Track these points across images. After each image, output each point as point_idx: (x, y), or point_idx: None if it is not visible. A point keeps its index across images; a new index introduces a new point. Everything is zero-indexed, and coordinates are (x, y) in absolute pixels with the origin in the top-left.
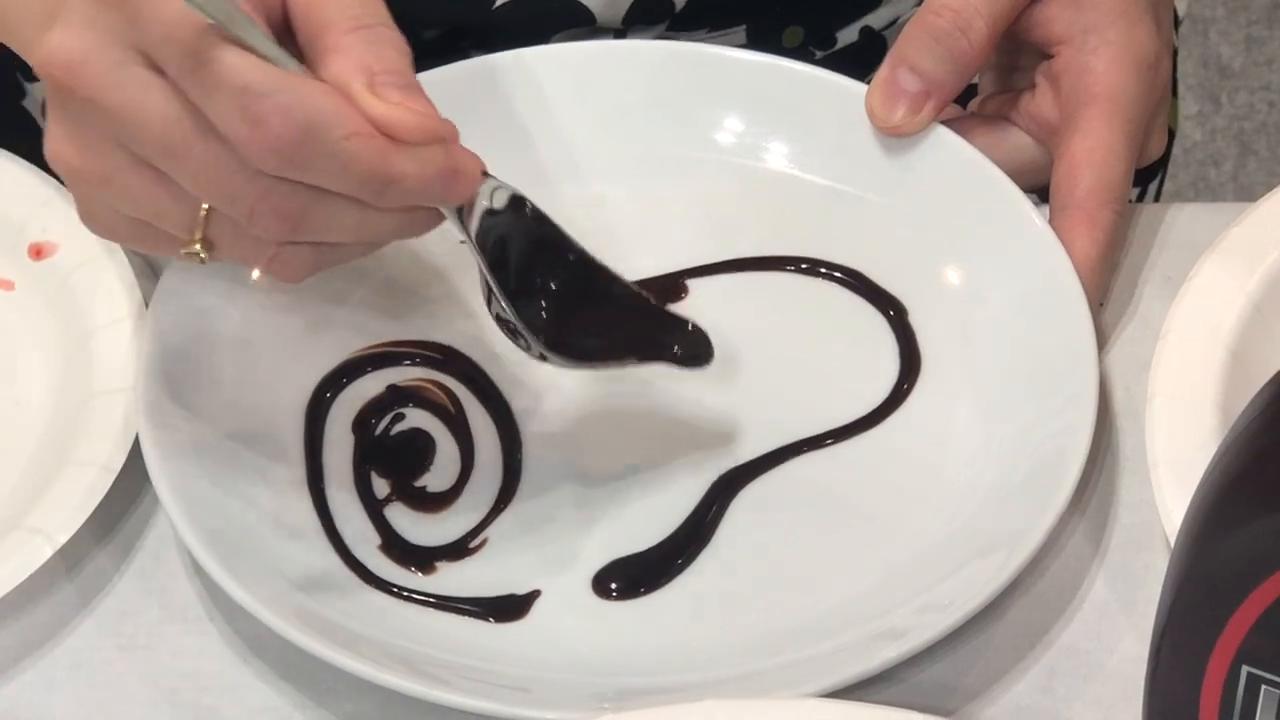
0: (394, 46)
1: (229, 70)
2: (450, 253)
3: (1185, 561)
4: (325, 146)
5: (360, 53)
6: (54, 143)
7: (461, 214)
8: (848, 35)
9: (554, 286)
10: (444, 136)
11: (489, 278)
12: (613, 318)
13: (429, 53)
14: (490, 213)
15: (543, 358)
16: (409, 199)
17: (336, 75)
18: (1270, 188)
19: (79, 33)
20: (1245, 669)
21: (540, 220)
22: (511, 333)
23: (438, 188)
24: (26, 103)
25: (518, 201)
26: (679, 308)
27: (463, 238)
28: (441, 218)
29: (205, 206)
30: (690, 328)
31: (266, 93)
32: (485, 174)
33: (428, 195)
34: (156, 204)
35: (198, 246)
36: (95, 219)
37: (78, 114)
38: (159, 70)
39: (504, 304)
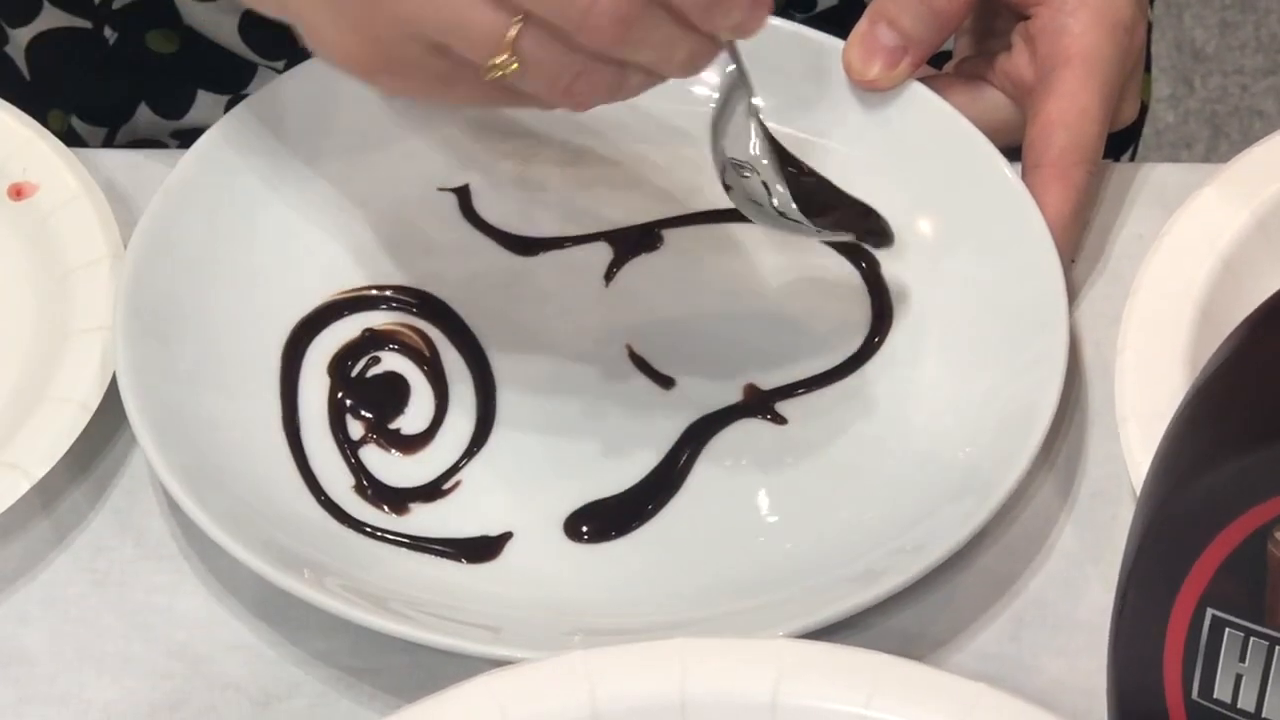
0: None
1: None
2: (429, 199)
3: (1150, 508)
4: None
5: None
6: None
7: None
8: None
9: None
10: None
11: (755, 106)
12: (813, 191)
13: None
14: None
15: (777, 212)
16: (727, 18)
17: None
18: None
19: None
20: (1210, 612)
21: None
22: (735, 170)
23: (748, 11)
24: (9, 48)
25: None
26: (652, 257)
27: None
28: (715, 58)
29: (515, 26)
30: (873, 214)
31: None
32: None
33: (739, 18)
34: (462, 14)
35: (506, 56)
36: (378, 48)
37: None
38: None
39: (762, 137)
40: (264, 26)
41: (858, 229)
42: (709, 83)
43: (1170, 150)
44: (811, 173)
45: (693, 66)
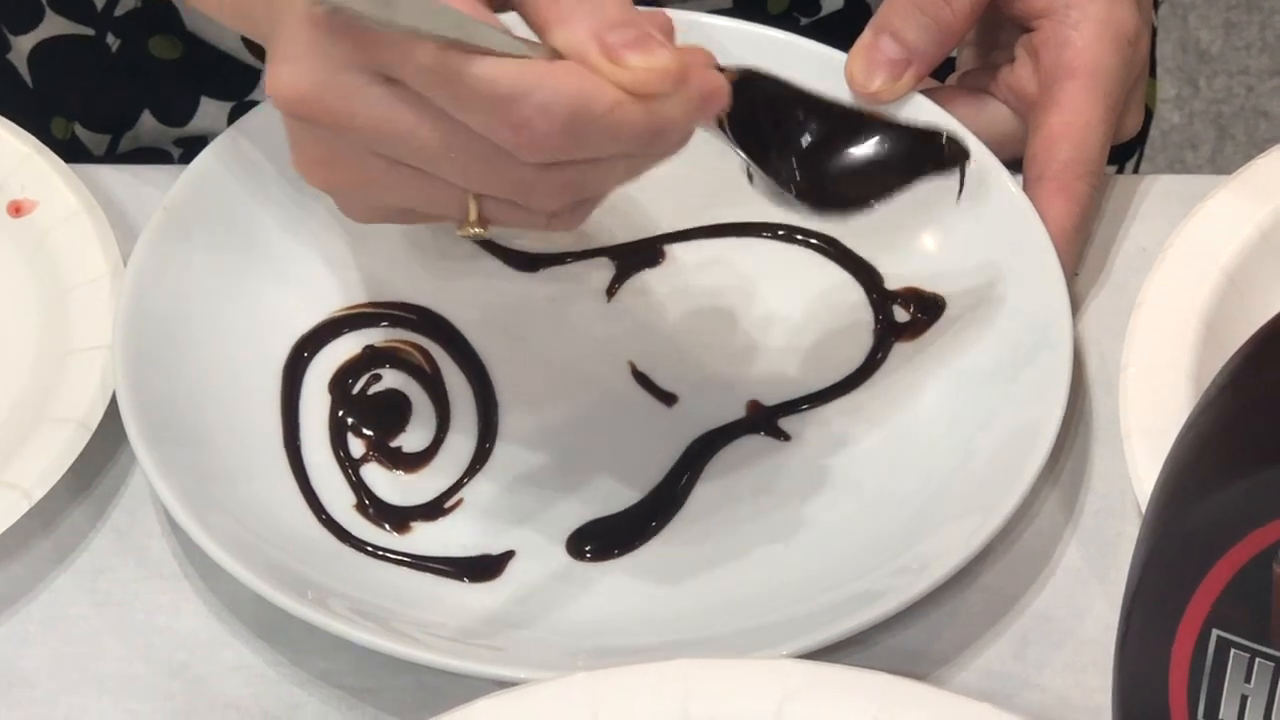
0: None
1: (478, 83)
2: None
3: (1156, 527)
4: (592, 127)
5: (584, 19)
6: (302, 162)
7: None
8: (832, 2)
9: (804, 142)
10: (690, 74)
11: (743, 156)
12: (865, 156)
13: None
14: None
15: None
16: (676, 139)
17: (569, 47)
18: None
19: (307, 65)
20: (1215, 633)
21: (775, 83)
22: (778, 195)
23: (698, 119)
24: (11, 56)
25: (748, 74)
26: (654, 273)
27: (713, 134)
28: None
29: (472, 204)
30: (942, 138)
31: (521, 95)
32: (720, 68)
33: (689, 128)
34: (423, 195)
35: (474, 229)
36: (356, 214)
37: (322, 137)
38: (398, 83)
39: (762, 176)
40: None
41: (925, 166)
42: None
43: (1175, 151)
44: (872, 123)
45: (670, 153)
